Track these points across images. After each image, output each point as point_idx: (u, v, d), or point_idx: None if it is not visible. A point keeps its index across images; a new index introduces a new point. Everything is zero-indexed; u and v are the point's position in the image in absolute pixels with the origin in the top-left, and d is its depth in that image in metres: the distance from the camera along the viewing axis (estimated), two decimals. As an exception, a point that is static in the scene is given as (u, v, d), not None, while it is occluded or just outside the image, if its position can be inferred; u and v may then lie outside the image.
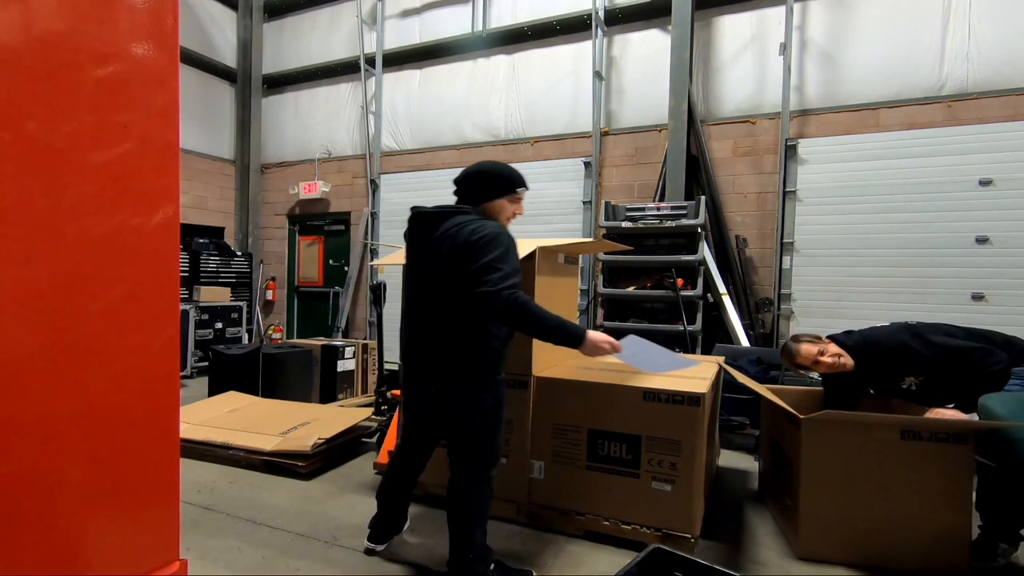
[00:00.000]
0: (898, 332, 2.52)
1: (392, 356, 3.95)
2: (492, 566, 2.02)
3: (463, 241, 1.88)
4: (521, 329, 1.90)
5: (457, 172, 2.10)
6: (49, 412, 0.83)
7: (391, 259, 2.69)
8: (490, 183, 2.05)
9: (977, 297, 4.52)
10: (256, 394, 4.45)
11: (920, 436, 2.23)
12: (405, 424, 2.22)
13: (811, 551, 2.33)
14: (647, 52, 5.80)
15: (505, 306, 1.76)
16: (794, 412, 2.37)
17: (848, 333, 2.65)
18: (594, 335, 1.88)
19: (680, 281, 4.93)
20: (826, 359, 2.56)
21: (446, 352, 1.94)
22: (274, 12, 8.16)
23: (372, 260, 7.23)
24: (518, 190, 2.08)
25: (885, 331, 2.57)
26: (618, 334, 5.61)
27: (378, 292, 4.02)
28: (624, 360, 2.11)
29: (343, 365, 5.06)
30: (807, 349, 2.60)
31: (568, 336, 1.86)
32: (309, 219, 7.90)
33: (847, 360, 2.55)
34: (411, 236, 2.10)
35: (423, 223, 2.04)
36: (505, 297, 1.75)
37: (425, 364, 2.00)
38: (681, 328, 4.85)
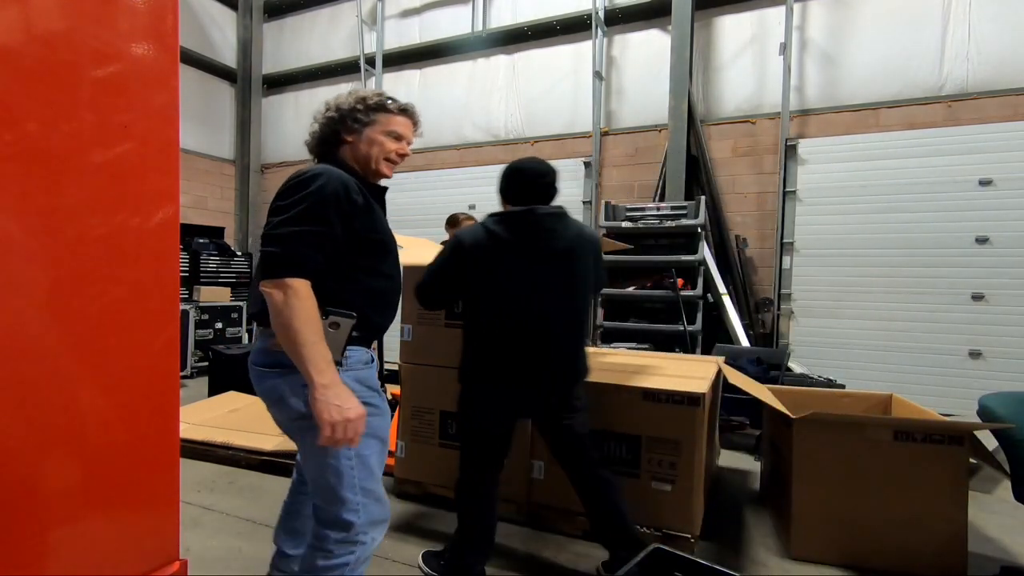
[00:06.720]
0: None
1: (392, 356, 3.94)
2: None
3: (590, 242, 2.01)
4: None
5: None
6: (49, 412, 0.83)
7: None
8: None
9: (977, 297, 4.52)
10: (256, 394, 4.44)
11: (914, 437, 2.23)
12: (499, 435, 1.99)
13: (803, 551, 2.33)
14: (647, 52, 5.81)
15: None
16: (786, 412, 2.37)
17: None
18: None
19: (680, 281, 4.93)
20: None
21: (582, 353, 2.01)
22: (274, 12, 8.16)
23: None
24: None
25: None
26: (618, 334, 5.57)
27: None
28: None
29: (343, 365, 5.05)
30: None
31: None
32: (309, 219, 7.88)
33: None
34: (514, 235, 1.91)
35: (536, 222, 1.93)
36: None
37: (557, 366, 1.95)
38: (681, 328, 4.85)
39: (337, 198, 1.40)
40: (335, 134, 1.58)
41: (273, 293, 1.31)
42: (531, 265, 1.90)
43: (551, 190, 1.98)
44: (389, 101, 1.59)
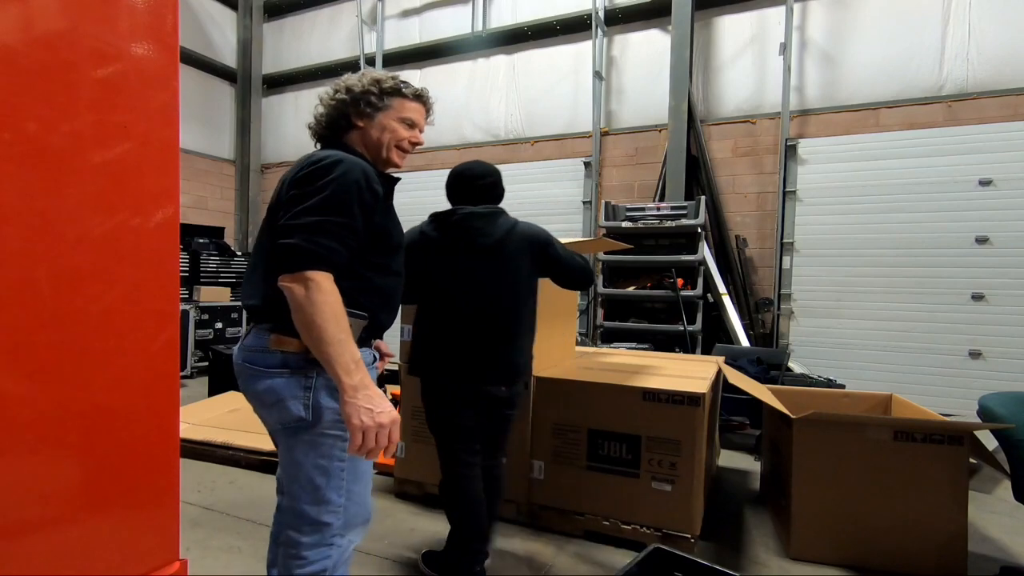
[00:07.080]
0: None
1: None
2: None
3: (525, 237, 2.00)
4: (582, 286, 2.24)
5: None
6: (49, 412, 0.83)
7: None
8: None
9: (977, 297, 4.53)
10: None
11: (914, 437, 2.23)
12: (462, 425, 2.01)
13: (803, 551, 2.33)
14: (647, 52, 5.81)
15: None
16: (786, 412, 2.37)
17: None
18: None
19: (680, 281, 4.93)
20: None
21: (516, 346, 2.01)
22: (274, 12, 8.16)
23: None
24: None
25: None
26: (618, 334, 5.56)
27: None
28: None
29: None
30: None
31: None
32: (309, 219, 7.89)
33: None
34: (453, 235, 1.97)
35: (474, 222, 1.97)
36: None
37: (501, 360, 1.97)
38: (681, 328, 4.85)
39: (359, 188, 1.29)
40: (345, 117, 1.45)
41: (294, 288, 1.20)
42: (457, 262, 1.95)
43: (494, 190, 2.04)
44: (403, 85, 1.48)
